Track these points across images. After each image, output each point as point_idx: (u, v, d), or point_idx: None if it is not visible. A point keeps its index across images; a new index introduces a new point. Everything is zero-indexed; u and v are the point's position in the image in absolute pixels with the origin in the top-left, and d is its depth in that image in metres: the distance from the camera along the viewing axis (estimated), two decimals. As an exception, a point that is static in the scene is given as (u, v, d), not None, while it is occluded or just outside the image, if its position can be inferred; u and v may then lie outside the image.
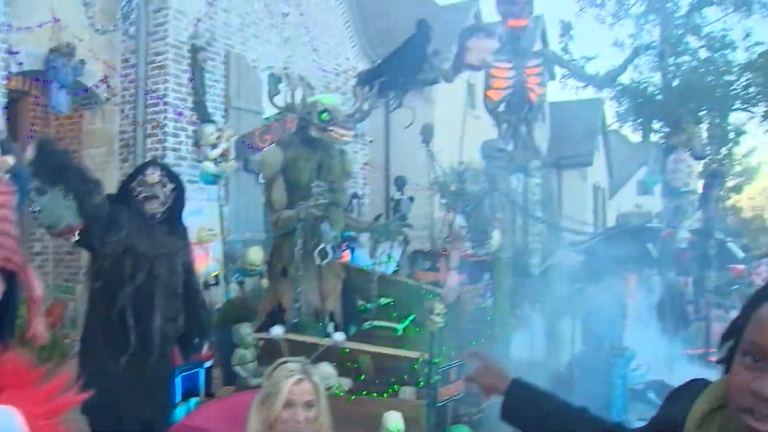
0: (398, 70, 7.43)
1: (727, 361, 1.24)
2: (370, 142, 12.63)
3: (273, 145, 5.74)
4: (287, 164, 5.33)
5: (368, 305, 5.91)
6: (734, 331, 1.21)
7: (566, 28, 17.00)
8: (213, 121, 9.26)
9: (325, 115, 5.34)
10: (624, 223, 25.78)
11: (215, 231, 8.18)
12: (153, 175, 4.04)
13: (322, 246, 5.11)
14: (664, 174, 7.94)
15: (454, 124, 17.01)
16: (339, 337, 5.00)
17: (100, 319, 4.06)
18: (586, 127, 21.73)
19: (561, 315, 6.34)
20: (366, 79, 6.84)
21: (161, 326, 4.05)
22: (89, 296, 4.14)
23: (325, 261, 5.16)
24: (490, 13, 17.29)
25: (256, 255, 6.28)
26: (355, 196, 9.41)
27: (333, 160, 5.54)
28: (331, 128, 5.33)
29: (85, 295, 4.43)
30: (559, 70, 14.29)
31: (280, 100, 5.39)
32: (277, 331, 5.00)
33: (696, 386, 1.37)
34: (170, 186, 4.12)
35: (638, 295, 8.80)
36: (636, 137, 19.26)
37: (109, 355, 4.00)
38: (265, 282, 5.98)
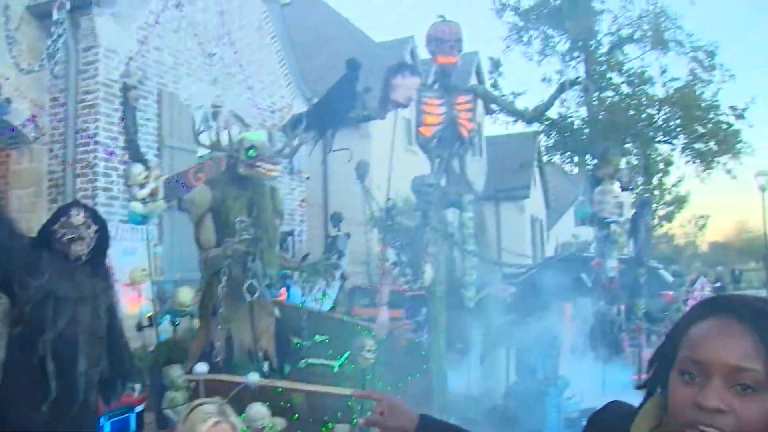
0: (331, 108, 7.54)
1: (652, 384, 1.32)
2: (307, 178, 12.63)
3: (201, 184, 5.70)
4: (216, 203, 5.33)
5: (303, 343, 5.90)
6: (664, 354, 1.29)
7: (495, 65, 17.70)
8: (146, 160, 9.16)
9: (252, 152, 5.37)
10: (561, 253, 26.40)
11: (149, 271, 8.03)
12: (77, 217, 3.95)
13: (249, 282, 5.07)
14: (593, 205, 8.05)
15: (390, 159, 17.35)
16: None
17: (20, 367, 3.92)
18: (522, 160, 22.28)
19: (496, 347, 6.42)
20: (299, 117, 6.92)
21: (85, 371, 3.92)
22: (7, 343, 3.99)
23: (253, 297, 5.13)
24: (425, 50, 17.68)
25: (185, 295, 6.19)
26: (289, 233, 9.36)
27: (263, 198, 5.56)
28: (258, 164, 5.33)
29: (1, 343, 4.26)
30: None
31: (205, 138, 5.37)
32: (200, 368, 4.92)
33: (614, 408, 1.46)
34: (94, 227, 4.04)
35: (574, 324, 9.01)
36: (572, 169, 19.96)
37: (29, 404, 3.85)
38: (196, 322, 5.89)
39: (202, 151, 9.60)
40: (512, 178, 22.67)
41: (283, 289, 8.40)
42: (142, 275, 7.64)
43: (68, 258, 3.94)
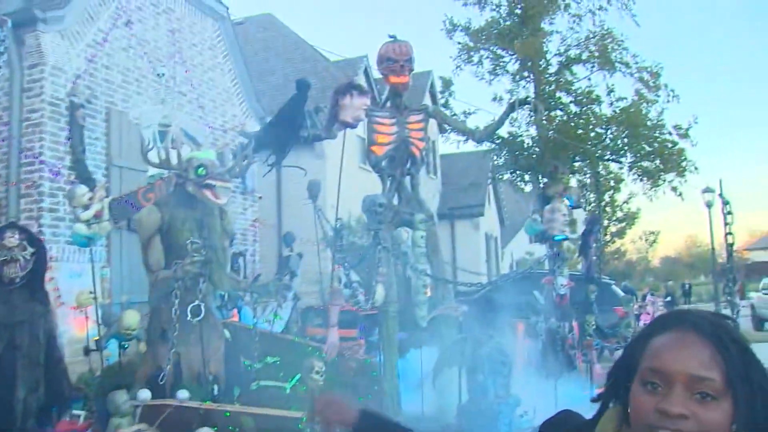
0: (282, 128, 7.53)
1: (609, 396, 1.40)
2: (260, 198, 12.52)
3: (150, 204, 5.61)
4: (165, 224, 5.24)
5: (254, 364, 5.82)
6: (623, 367, 1.36)
7: (446, 85, 17.98)
8: (93, 180, 8.97)
9: (201, 170, 5.31)
10: (515, 271, 26.68)
11: (96, 294, 7.83)
12: (11, 239, 3.87)
13: (195, 303, 5.01)
14: (544, 223, 8.17)
15: (345, 178, 17.39)
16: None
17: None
18: (476, 179, 22.56)
19: (448, 366, 6.43)
20: (250, 135, 6.89)
21: (24, 398, 3.82)
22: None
23: (198, 318, 5.05)
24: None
25: (132, 318, 6.04)
26: (240, 254, 9.24)
27: (213, 218, 5.47)
28: (207, 182, 5.28)
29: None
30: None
31: (154, 157, 5.29)
32: (142, 395, 4.83)
33: (565, 417, 1.53)
34: (30, 249, 3.95)
35: (526, 341, 9.09)
36: (524, 187, 20.19)
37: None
38: (143, 346, 5.77)
39: (153, 171, 9.47)
40: (466, 197, 22.89)
41: (235, 311, 8.28)
42: (88, 298, 7.43)
43: (2, 281, 3.84)
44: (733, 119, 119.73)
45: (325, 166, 15.04)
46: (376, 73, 16.44)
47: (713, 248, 23.84)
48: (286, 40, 19.76)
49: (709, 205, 20.14)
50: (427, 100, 21.28)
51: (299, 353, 5.81)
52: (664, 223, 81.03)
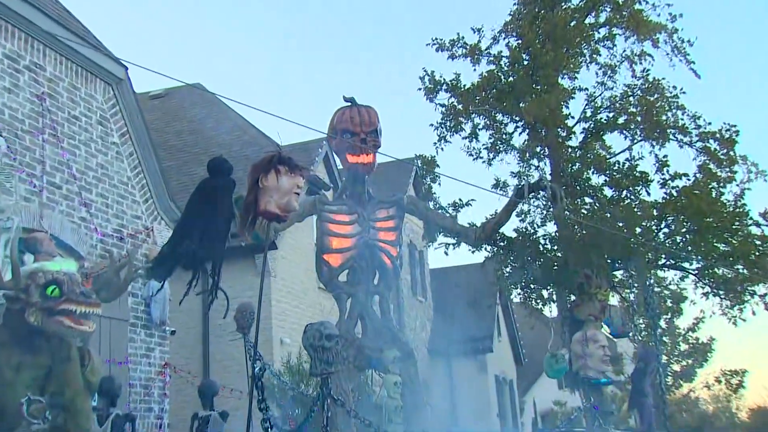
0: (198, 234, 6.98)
1: None
2: (172, 333, 12.01)
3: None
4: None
5: None
6: None
7: (427, 165, 17.07)
8: None
9: (53, 291, 4.97)
10: (540, 429, 25.79)
11: None
12: None
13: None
14: (573, 359, 8.02)
15: (295, 301, 16.84)
16: None
17: None
18: (481, 299, 21.91)
19: None
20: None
21: None
22: None
23: None
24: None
25: None
26: (127, 417, 8.59)
27: (67, 364, 5.17)
28: (63, 307, 4.94)
29: None
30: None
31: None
32: None
33: None
34: None
35: None
36: (543, 307, 19.02)
37: None
38: None
39: None
40: (468, 325, 22.43)
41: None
42: None
43: None
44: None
45: (270, 287, 14.75)
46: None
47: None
48: (223, 116, 19.58)
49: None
50: (412, 192, 20.94)
51: None
52: (753, 358, 79.39)
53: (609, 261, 14.22)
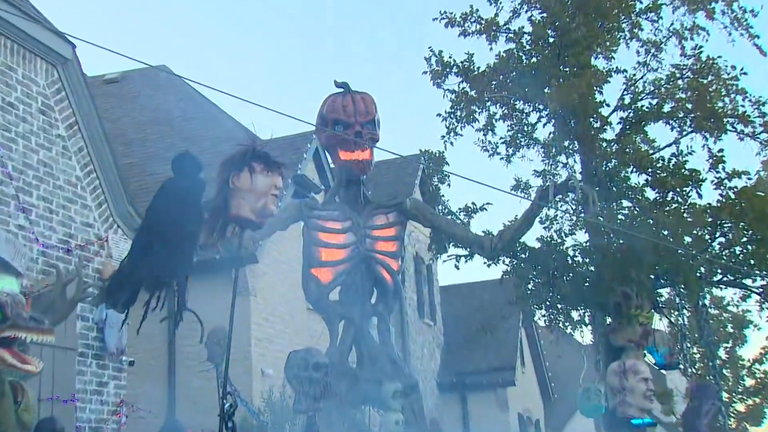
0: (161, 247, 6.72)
1: None
2: (131, 364, 11.86)
3: None
4: None
5: None
6: None
7: (436, 163, 16.68)
8: None
9: None
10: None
11: None
12: None
13: None
14: (609, 394, 7.73)
15: (280, 321, 16.49)
16: None
17: None
18: (500, 323, 21.26)
19: None
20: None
21: None
22: None
23: None
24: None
25: None
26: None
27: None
28: (5, 335, 5.01)
29: None
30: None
31: None
32: None
33: None
34: None
35: None
36: (576, 333, 18.30)
37: None
38: None
39: None
40: (485, 353, 22.41)
41: None
42: None
43: None
44: None
45: (249, 308, 14.53)
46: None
47: None
48: (192, 105, 19.10)
49: None
50: (418, 195, 20.71)
51: None
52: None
53: (652, 277, 13.73)
